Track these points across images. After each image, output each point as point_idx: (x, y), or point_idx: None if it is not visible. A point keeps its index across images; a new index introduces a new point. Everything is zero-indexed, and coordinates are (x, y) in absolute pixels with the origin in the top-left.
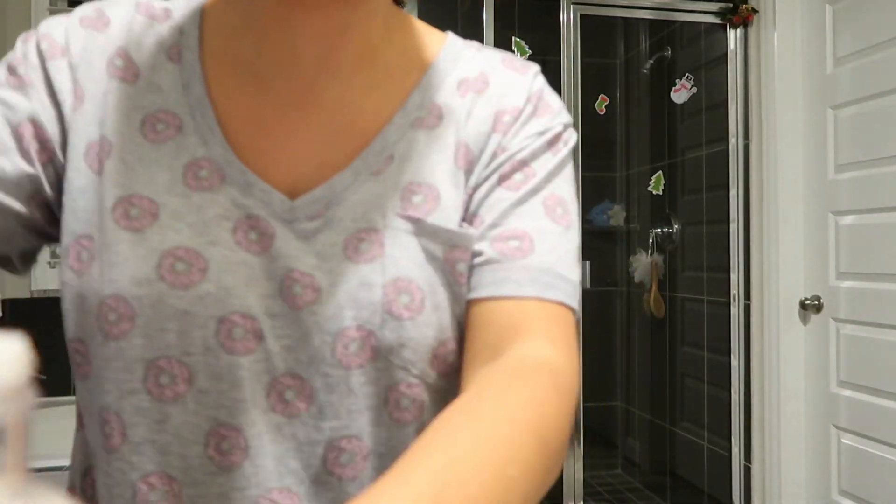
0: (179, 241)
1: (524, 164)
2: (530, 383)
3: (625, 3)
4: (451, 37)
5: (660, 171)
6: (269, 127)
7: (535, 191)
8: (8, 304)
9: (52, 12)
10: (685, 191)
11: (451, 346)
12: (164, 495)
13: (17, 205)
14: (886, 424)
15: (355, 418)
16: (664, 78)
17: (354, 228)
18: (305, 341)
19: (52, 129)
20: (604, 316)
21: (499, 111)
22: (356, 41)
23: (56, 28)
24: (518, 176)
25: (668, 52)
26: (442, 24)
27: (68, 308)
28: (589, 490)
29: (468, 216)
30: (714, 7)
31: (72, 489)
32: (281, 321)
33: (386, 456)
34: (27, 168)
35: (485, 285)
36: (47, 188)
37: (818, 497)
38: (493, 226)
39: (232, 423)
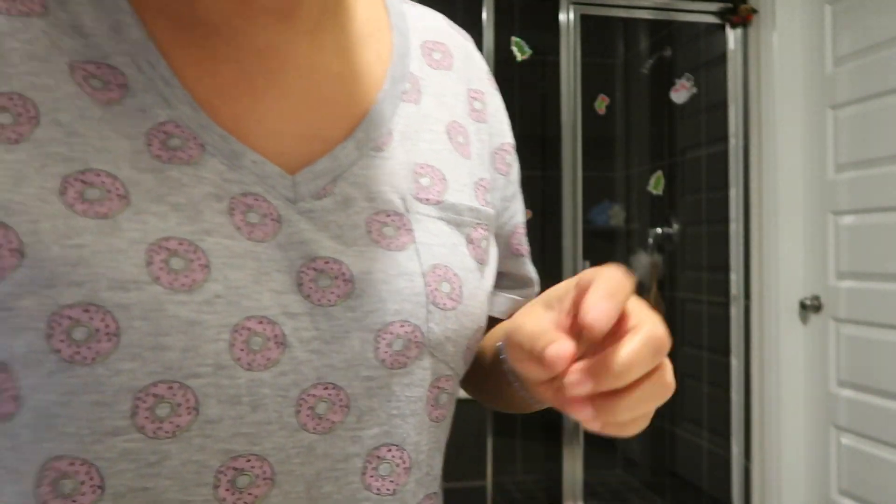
0: (167, 230)
1: (512, 148)
2: None
3: (625, 3)
4: None
5: (660, 171)
6: (231, 89)
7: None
8: None
9: None
10: (685, 191)
11: (480, 335)
12: None
13: None
14: (886, 424)
15: (397, 425)
16: (664, 78)
17: (373, 210)
18: (340, 343)
19: None
20: None
21: (470, 90)
22: None
23: None
24: (509, 159)
25: (668, 52)
26: None
27: None
28: (589, 490)
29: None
30: (714, 7)
31: None
32: (304, 321)
33: (427, 465)
34: None
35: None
36: None
37: (817, 496)
38: (520, 223)
39: (252, 453)
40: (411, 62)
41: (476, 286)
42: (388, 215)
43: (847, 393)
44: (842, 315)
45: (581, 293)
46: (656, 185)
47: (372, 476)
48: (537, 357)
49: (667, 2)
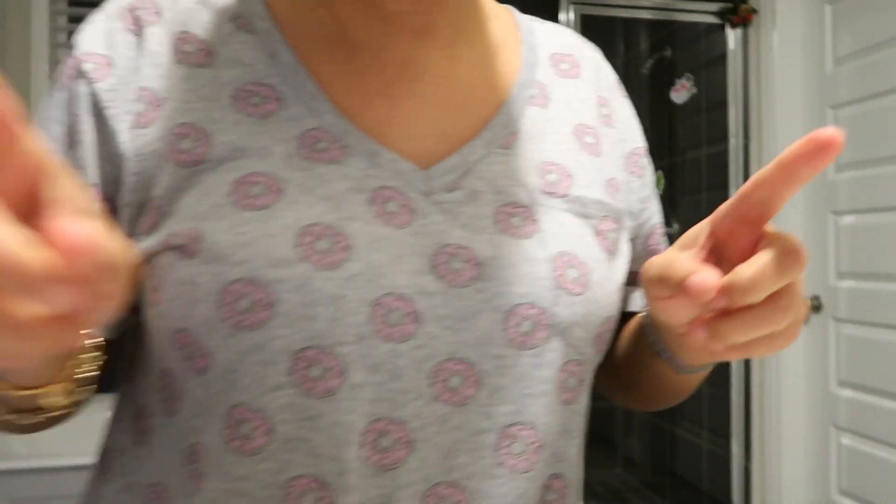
0: (314, 216)
1: (645, 152)
2: None
3: (625, 3)
4: (510, 7)
5: (660, 171)
6: (374, 97)
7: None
8: None
9: (52, 12)
10: (685, 191)
11: (611, 324)
12: (317, 502)
13: None
14: (886, 424)
15: (528, 404)
16: (664, 78)
17: (499, 202)
18: (470, 321)
19: (111, 175)
20: None
21: (599, 97)
22: (451, 13)
23: (94, 41)
24: (641, 162)
25: (668, 52)
26: None
27: (172, 295)
28: (589, 490)
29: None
30: (714, 7)
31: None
32: (438, 300)
33: (554, 445)
34: None
35: None
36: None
37: (817, 496)
38: (657, 223)
39: (392, 417)
40: (539, 72)
41: (605, 276)
42: (515, 206)
43: (847, 393)
44: (842, 315)
45: (718, 224)
46: (656, 185)
47: (506, 454)
48: (676, 286)
49: (667, 2)
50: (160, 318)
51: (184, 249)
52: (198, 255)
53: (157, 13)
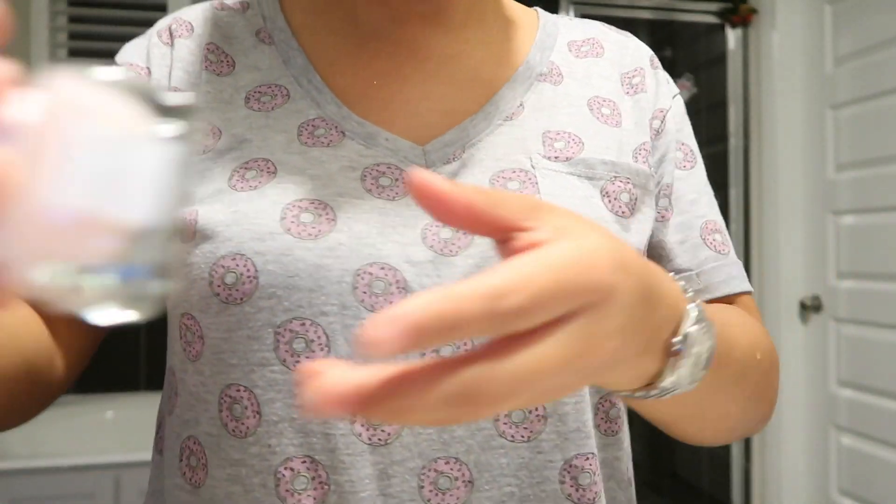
0: (303, 193)
1: (682, 143)
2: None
3: (625, 3)
4: (538, 9)
5: None
6: (381, 81)
7: (703, 173)
8: None
9: (52, 12)
10: None
11: None
12: (310, 482)
13: None
14: (886, 424)
15: None
16: None
17: (498, 168)
18: None
19: None
20: None
21: (623, 73)
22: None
23: (135, 54)
24: (679, 154)
25: (668, 52)
26: None
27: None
28: None
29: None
30: (714, 7)
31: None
32: (427, 269)
33: (560, 417)
34: None
35: (717, 285)
36: None
37: (817, 496)
38: (699, 216)
39: None
40: (553, 54)
41: (615, 235)
42: (514, 172)
43: (847, 393)
44: (842, 315)
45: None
46: None
47: (505, 423)
48: None
49: (667, 2)
50: (171, 307)
51: (181, 235)
52: (193, 237)
53: (190, 29)
